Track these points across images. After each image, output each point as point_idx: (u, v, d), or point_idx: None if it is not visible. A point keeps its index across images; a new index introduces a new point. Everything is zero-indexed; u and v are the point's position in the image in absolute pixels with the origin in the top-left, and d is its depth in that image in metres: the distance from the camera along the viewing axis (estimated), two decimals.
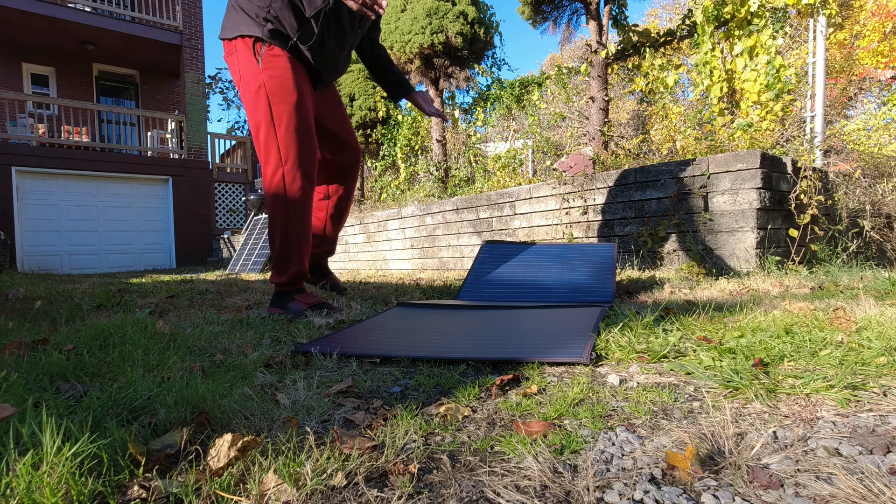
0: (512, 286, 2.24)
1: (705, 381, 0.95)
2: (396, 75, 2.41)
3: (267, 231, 2.68)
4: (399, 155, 7.76)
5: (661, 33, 4.71)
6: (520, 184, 4.42)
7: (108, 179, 9.14)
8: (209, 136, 10.58)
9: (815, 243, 2.93)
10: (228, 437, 0.65)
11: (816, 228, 2.91)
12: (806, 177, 2.85)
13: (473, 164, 6.00)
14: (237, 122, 20.75)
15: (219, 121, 25.55)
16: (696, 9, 4.08)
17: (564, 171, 3.80)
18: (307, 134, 1.89)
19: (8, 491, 0.55)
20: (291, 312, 1.90)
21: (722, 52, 4.08)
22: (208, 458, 0.64)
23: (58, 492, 0.55)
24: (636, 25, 4.83)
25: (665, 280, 2.50)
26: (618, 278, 2.67)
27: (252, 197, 9.72)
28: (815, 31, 3.92)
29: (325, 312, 1.88)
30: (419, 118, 7.55)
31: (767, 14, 3.78)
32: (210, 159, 10.49)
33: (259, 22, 1.80)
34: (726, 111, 4.04)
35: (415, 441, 0.73)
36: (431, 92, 6.96)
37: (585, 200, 3.41)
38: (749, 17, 3.86)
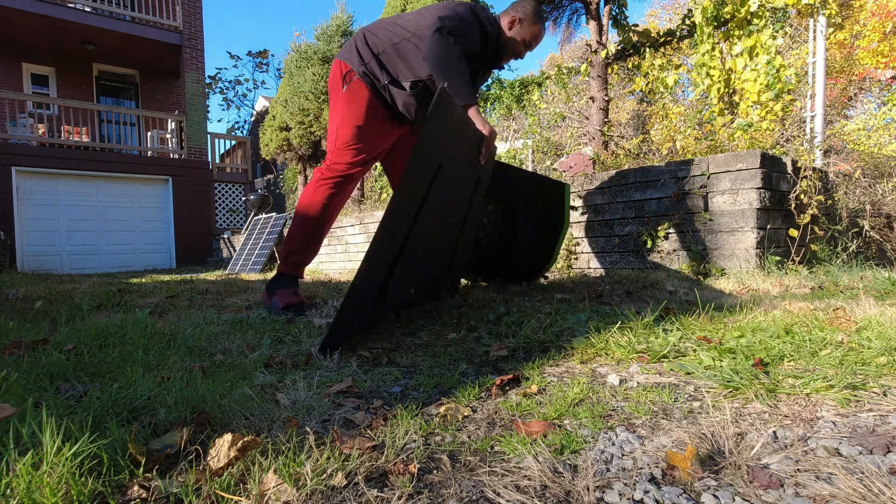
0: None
1: (705, 381, 0.95)
2: None
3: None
4: None
5: (661, 33, 4.71)
6: None
7: (108, 179, 9.14)
8: (209, 136, 10.57)
9: (815, 243, 2.93)
10: (228, 437, 0.65)
11: (816, 228, 2.91)
12: (806, 177, 2.84)
13: None
14: (237, 122, 20.77)
15: (219, 121, 25.63)
16: (695, 9, 4.07)
17: (564, 171, 3.80)
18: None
19: (8, 491, 0.55)
20: (272, 309, 1.99)
21: (722, 52, 4.08)
22: (208, 458, 0.64)
23: (58, 492, 0.55)
24: (636, 25, 4.83)
25: (665, 280, 2.50)
26: (618, 278, 2.67)
27: (252, 197, 9.70)
28: (815, 31, 3.91)
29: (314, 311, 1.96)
30: None
31: (767, 14, 3.77)
32: (210, 159, 10.49)
33: (360, 64, 1.98)
34: (726, 111, 4.03)
35: (415, 441, 0.73)
36: None
37: (585, 200, 3.40)
38: (749, 17, 3.86)
